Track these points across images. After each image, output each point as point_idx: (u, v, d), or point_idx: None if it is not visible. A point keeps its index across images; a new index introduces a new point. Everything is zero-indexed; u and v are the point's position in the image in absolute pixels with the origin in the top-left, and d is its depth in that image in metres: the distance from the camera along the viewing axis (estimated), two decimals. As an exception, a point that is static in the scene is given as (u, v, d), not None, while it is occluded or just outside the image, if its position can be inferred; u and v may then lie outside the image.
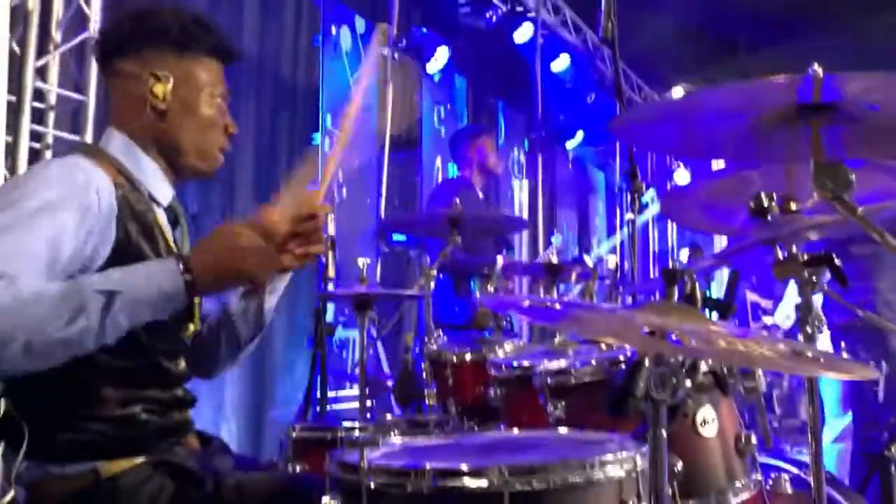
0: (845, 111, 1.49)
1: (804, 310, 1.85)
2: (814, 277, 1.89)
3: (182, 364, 1.94)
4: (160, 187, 1.95)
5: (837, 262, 1.82)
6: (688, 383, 1.56)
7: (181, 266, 1.64)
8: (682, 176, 9.78)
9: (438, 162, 7.47)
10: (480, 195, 5.27)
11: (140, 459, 1.80)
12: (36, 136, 4.05)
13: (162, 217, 1.96)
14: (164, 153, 1.94)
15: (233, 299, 2.13)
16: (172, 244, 1.94)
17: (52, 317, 1.51)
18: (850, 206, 1.45)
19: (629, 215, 3.21)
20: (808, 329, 1.85)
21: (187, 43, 1.94)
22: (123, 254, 1.76)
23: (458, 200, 3.56)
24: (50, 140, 4.14)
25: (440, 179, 7.14)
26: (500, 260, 3.56)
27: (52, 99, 4.17)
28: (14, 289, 1.51)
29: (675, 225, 10.49)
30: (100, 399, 1.76)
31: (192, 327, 1.97)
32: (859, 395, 3.77)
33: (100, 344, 1.58)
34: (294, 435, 2.61)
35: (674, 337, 1.49)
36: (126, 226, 1.79)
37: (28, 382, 1.64)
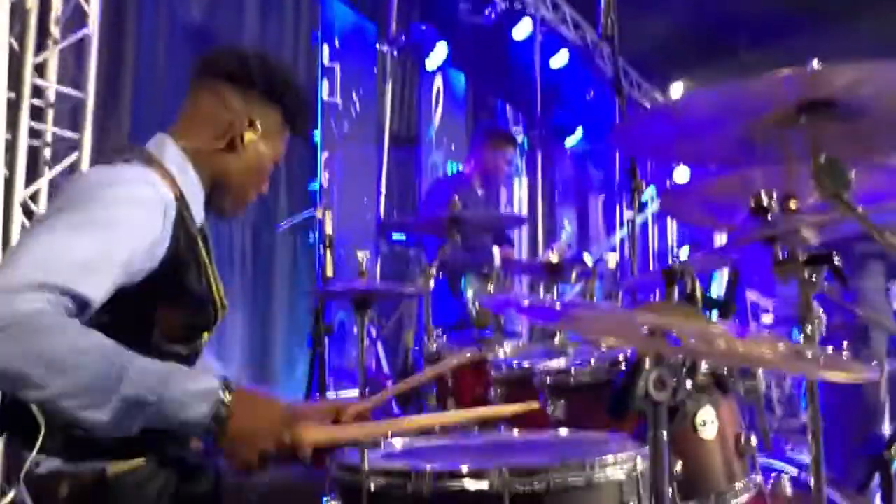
0: (844, 106, 1.49)
1: (804, 310, 1.85)
2: (814, 277, 1.88)
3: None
4: (198, 207, 1.96)
5: (837, 261, 1.81)
6: (688, 384, 1.55)
7: (216, 415, 1.54)
8: (681, 174, 9.77)
9: (438, 159, 7.47)
10: (480, 192, 5.24)
11: (149, 459, 1.81)
12: (34, 133, 4.05)
13: (198, 233, 1.97)
14: (213, 183, 1.98)
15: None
16: (206, 261, 1.95)
17: (85, 380, 1.44)
18: (849, 203, 1.44)
19: (629, 214, 3.20)
20: (809, 329, 1.84)
21: (289, 114, 2.03)
22: (171, 264, 1.78)
23: (456, 199, 3.55)
24: (49, 137, 4.14)
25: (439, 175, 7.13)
26: (496, 252, 3.54)
27: (51, 96, 4.17)
28: (74, 327, 1.48)
29: (675, 223, 10.49)
30: None
31: (206, 336, 1.99)
32: (860, 395, 3.77)
33: (101, 434, 1.50)
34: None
35: (674, 337, 1.49)
36: (179, 239, 1.80)
37: None
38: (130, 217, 1.67)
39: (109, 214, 1.65)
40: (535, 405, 1.86)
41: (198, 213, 1.95)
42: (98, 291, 1.56)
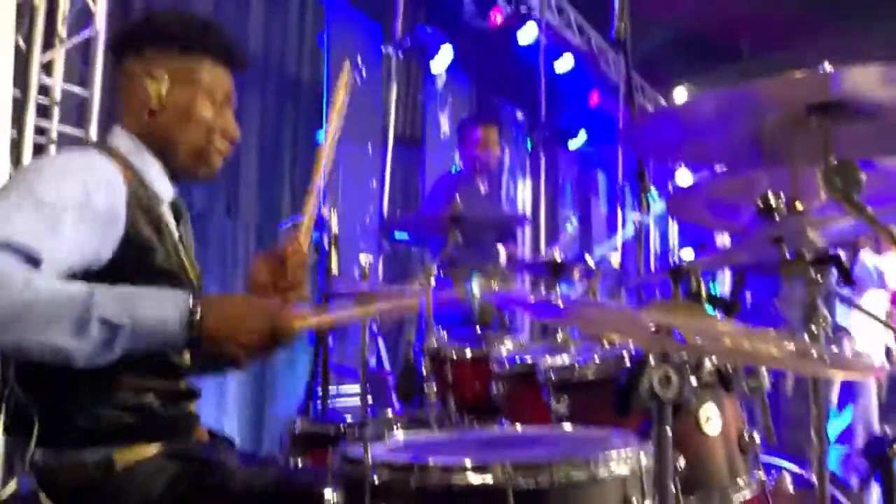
0: (854, 108, 1.49)
1: (810, 309, 1.85)
2: (819, 277, 1.89)
3: (187, 357, 1.94)
4: (162, 184, 1.96)
5: (844, 261, 1.81)
6: (692, 381, 1.56)
7: (189, 321, 1.62)
8: (683, 175, 9.77)
9: (441, 161, 7.47)
10: (483, 190, 5.23)
11: (154, 449, 1.81)
12: (40, 131, 4.06)
13: (167, 212, 1.97)
14: (159, 153, 1.95)
15: None
16: (177, 239, 1.95)
17: (56, 321, 1.51)
18: (859, 206, 1.44)
19: (636, 215, 3.20)
20: (814, 329, 1.84)
21: (188, 44, 1.95)
22: (132, 244, 1.78)
23: (458, 198, 3.54)
24: (54, 135, 4.14)
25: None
26: (501, 249, 3.53)
27: (57, 94, 4.17)
28: (35, 278, 1.53)
29: (675, 225, 10.49)
30: (113, 386, 1.77)
31: None
32: (862, 394, 3.77)
33: (87, 365, 1.57)
34: (296, 430, 2.61)
35: (679, 335, 1.49)
36: (135, 219, 1.80)
37: (42, 369, 1.64)
38: (73, 197, 1.68)
39: (52, 193, 1.66)
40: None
41: (163, 191, 1.95)
42: (47, 253, 1.58)
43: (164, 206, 1.96)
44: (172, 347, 1.70)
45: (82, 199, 1.69)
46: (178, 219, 2.03)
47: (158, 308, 1.61)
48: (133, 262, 1.78)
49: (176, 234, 1.96)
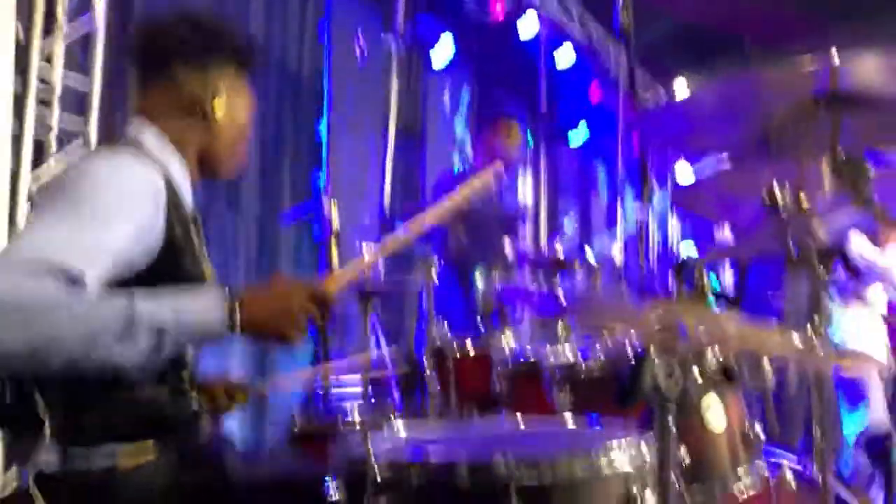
0: (864, 100, 1.48)
1: (814, 303, 1.84)
2: (825, 271, 1.88)
3: (190, 352, 1.94)
4: (185, 188, 1.96)
5: (849, 255, 1.80)
6: (695, 375, 1.55)
7: (230, 315, 1.65)
8: (683, 168, 9.75)
9: (442, 153, 7.45)
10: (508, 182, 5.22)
11: (157, 447, 1.81)
12: (40, 122, 4.04)
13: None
14: (205, 159, 2.00)
15: None
16: (197, 244, 1.95)
17: (103, 336, 1.51)
18: (868, 198, 1.43)
19: (637, 208, 3.19)
20: (818, 322, 1.83)
21: (246, 66, 2.04)
22: (168, 249, 1.79)
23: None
24: (54, 126, 4.12)
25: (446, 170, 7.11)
26: (507, 243, 3.52)
27: (57, 86, 4.15)
28: (76, 299, 1.52)
29: (675, 218, 10.48)
30: (118, 385, 1.75)
31: None
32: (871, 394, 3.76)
33: (138, 372, 1.62)
34: (296, 426, 2.60)
35: (683, 328, 1.48)
36: (173, 223, 1.81)
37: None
38: (119, 207, 1.68)
39: (98, 204, 1.65)
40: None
41: (187, 196, 1.96)
42: (90, 271, 1.57)
43: (189, 211, 1.96)
44: (217, 340, 1.71)
45: (128, 210, 1.69)
46: (195, 223, 2.02)
47: (199, 306, 1.64)
48: (167, 265, 1.78)
49: (197, 240, 1.96)
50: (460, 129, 7.92)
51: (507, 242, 3.62)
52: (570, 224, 5.68)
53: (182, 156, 1.95)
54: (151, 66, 2.00)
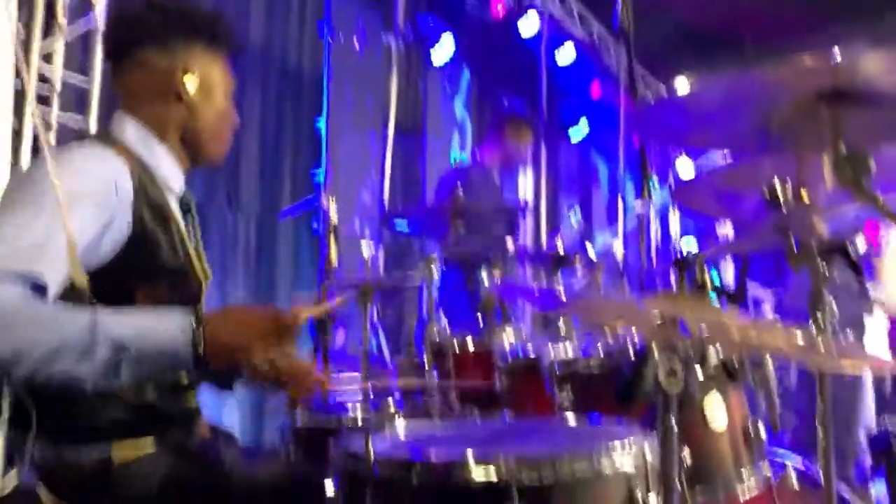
0: (865, 96, 1.47)
1: (816, 300, 1.83)
2: (826, 267, 1.87)
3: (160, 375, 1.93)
4: (173, 174, 1.96)
5: (851, 251, 1.79)
6: (698, 373, 1.54)
7: (193, 340, 1.59)
8: (684, 164, 9.74)
9: (441, 149, 7.44)
10: (497, 180, 5.21)
11: (153, 443, 1.80)
12: (41, 121, 4.03)
13: (174, 205, 1.96)
14: (186, 141, 1.99)
15: None
16: (185, 233, 1.94)
17: (63, 349, 1.49)
18: (870, 193, 1.42)
19: (638, 204, 3.18)
20: (820, 320, 1.82)
21: (214, 41, 2.01)
22: (138, 241, 1.77)
23: (460, 188, 3.53)
24: (54, 124, 4.12)
25: (445, 167, 7.10)
26: (510, 241, 3.51)
27: (57, 83, 4.15)
28: (39, 309, 1.52)
29: (677, 214, 10.46)
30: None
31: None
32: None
33: (96, 387, 1.55)
34: (296, 423, 2.59)
35: (684, 326, 1.47)
36: (141, 214, 1.79)
37: None
38: (74, 201, 1.65)
39: (51, 200, 1.63)
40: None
41: (174, 181, 1.96)
42: (53, 274, 1.57)
43: (172, 198, 1.95)
44: (180, 367, 1.67)
45: (86, 201, 1.68)
46: (186, 211, 2.02)
47: (162, 325, 1.59)
48: (138, 258, 1.77)
49: (183, 227, 1.95)
50: (460, 125, 7.91)
51: (508, 239, 3.61)
52: (575, 216, 5.66)
53: (166, 143, 1.95)
54: (119, 55, 2.00)
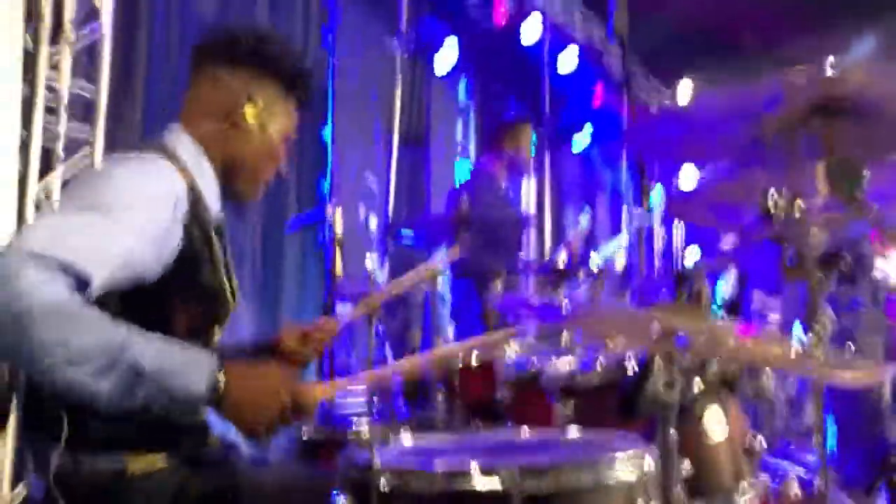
0: (857, 107, 1.49)
1: (813, 311, 1.85)
2: (823, 278, 1.89)
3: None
4: (213, 196, 1.96)
5: (847, 261, 1.81)
6: (697, 385, 1.56)
7: (213, 389, 1.58)
8: (687, 173, 9.74)
9: (445, 158, 7.46)
10: (504, 186, 5.21)
11: (165, 456, 1.82)
12: (48, 130, 4.06)
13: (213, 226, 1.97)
14: (225, 167, 1.98)
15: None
16: (220, 255, 1.95)
17: (89, 354, 1.48)
18: (863, 204, 1.45)
19: (638, 213, 3.21)
20: (818, 330, 1.84)
21: (291, 87, 2.04)
22: (185, 259, 1.79)
23: (466, 199, 3.54)
24: (61, 134, 4.14)
25: (450, 176, 7.12)
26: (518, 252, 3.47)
27: (65, 94, 4.17)
28: (78, 301, 1.50)
29: (682, 223, 10.45)
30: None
31: (217, 330, 1.99)
32: (866, 397, 3.76)
33: (109, 408, 1.53)
34: (303, 435, 2.61)
35: (683, 338, 1.50)
36: (192, 232, 1.81)
37: None
38: (136, 210, 1.68)
39: (115, 204, 1.65)
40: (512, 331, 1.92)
41: (213, 205, 1.95)
42: (99, 272, 1.56)
43: (213, 219, 1.96)
44: (191, 408, 1.65)
45: (144, 214, 1.69)
46: (220, 233, 2.02)
47: (186, 366, 1.58)
48: (182, 275, 1.79)
49: (219, 250, 1.96)
50: (463, 133, 7.93)
51: (517, 251, 3.62)
52: (585, 217, 5.65)
53: (212, 164, 1.96)
54: (201, 63, 2.02)
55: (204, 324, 1.92)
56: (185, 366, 1.58)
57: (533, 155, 5.61)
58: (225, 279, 1.95)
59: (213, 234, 1.92)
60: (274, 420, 1.66)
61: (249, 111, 1.96)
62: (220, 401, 1.59)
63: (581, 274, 3.66)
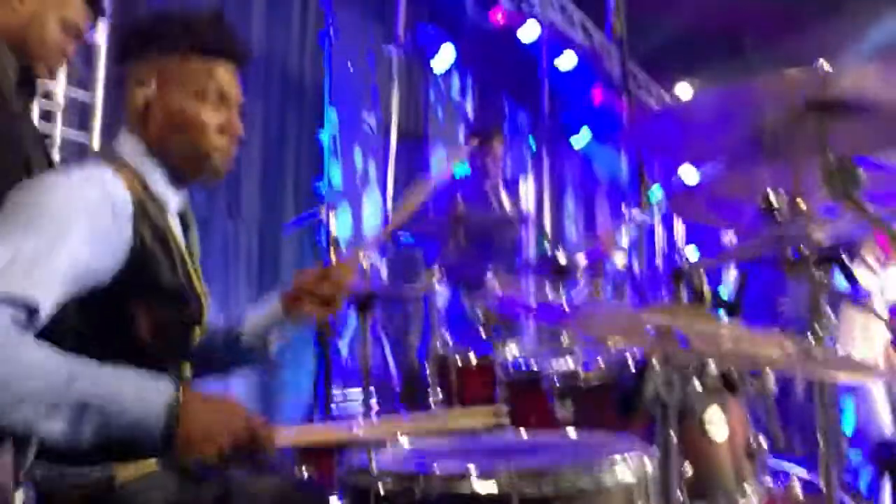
0: (853, 106, 1.48)
1: (813, 311, 1.83)
2: (823, 277, 1.87)
3: (188, 369, 1.92)
4: (166, 192, 1.90)
5: (847, 260, 1.80)
6: (697, 385, 1.55)
7: (166, 417, 1.52)
8: (687, 172, 9.73)
9: (443, 161, 7.46)
10: (496, 191, 5.25)
11: (154, 462, 1.78)
12: (44, 135, 4.05)
13: (174, 222, 1.92)
14: (160, 158, 1.89)
15: (247, 324, 2.14)
16: (185, 252, 1.90)
17: (33, 397, 1.43)
18: (859, 203, 1.43)
19: (636, 212, 3.20)
20: (818, 330, 1.82)
21: (166, 44, 1.88)
22: (138, 260, 1.74)
23: (460, 199, 3.54)
24: (57, 139, 4.13)
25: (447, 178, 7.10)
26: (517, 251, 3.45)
27: (60, 98, 4.16)
28: (19, 340, 1.46)
29: (682, 222, 10.44)
30: None
31: (199, 332, 1.95)
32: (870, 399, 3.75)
33: (59, 444, 1.47)
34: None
35: (682, 337, 1.48)
36: (141, 232, 1.76)
37: None
38: (74, 221, 1.62)
39: (50, 220, 1.60)
40: (500, 411, 1.82)
41: (171, 200, 1.90)
42: (45, 295, 1.52)
43: (171, 216, 1.91)
44: (144, 441, 1.56)
45: (84, 222, 1.64)
46: (185, 227, 1.99)
47: (139, 396, 1.52)
48: (138, 277, 1.74)
49: (183, 245, 1.91)
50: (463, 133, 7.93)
51: (516, 250, 3.62)
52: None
53: (160, 158, 1.88)
54: (117, 72, 1.97)
55: (177, 326, 1.86)
56: (137, 396, 1.52)
57: (533, 152, 5.62)
58: (189, 274, 1.88)
59: (173, 230, 1.87)
60: (223, 453, 1.56)
61: (140, 93, 1.86)
62: (174, 434, 1.52)
63: (580, 274, 3.64)
